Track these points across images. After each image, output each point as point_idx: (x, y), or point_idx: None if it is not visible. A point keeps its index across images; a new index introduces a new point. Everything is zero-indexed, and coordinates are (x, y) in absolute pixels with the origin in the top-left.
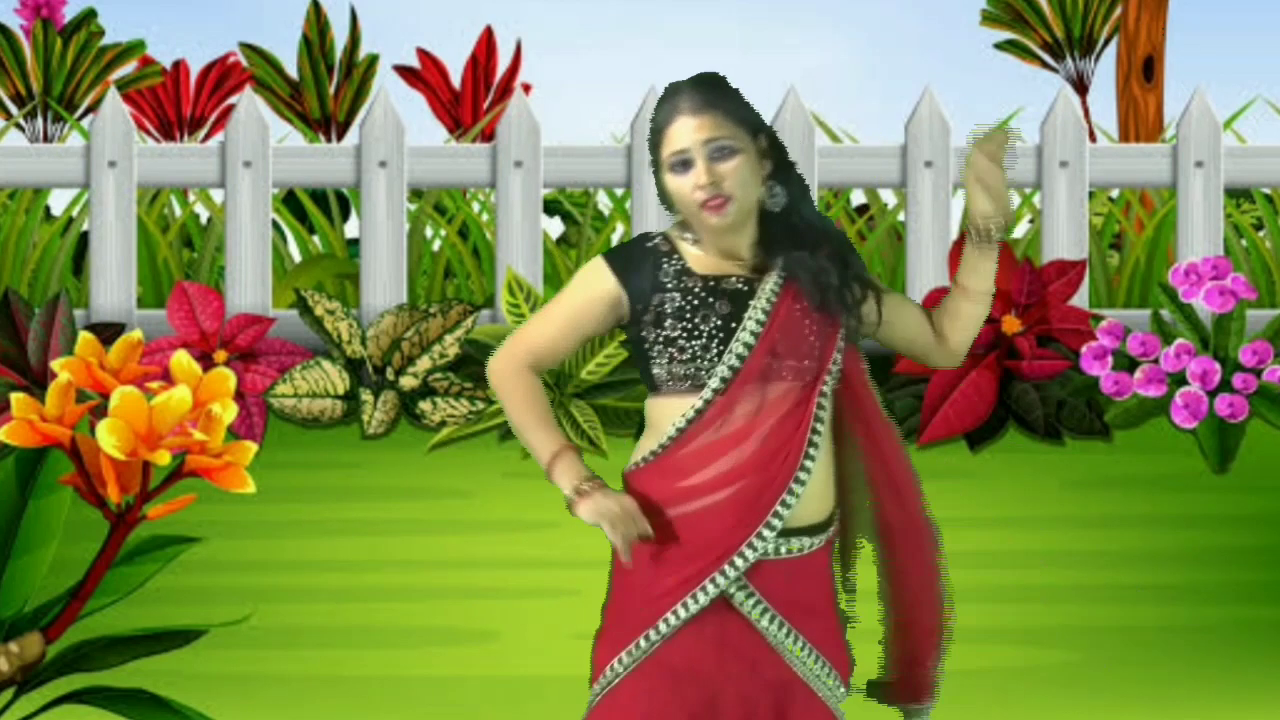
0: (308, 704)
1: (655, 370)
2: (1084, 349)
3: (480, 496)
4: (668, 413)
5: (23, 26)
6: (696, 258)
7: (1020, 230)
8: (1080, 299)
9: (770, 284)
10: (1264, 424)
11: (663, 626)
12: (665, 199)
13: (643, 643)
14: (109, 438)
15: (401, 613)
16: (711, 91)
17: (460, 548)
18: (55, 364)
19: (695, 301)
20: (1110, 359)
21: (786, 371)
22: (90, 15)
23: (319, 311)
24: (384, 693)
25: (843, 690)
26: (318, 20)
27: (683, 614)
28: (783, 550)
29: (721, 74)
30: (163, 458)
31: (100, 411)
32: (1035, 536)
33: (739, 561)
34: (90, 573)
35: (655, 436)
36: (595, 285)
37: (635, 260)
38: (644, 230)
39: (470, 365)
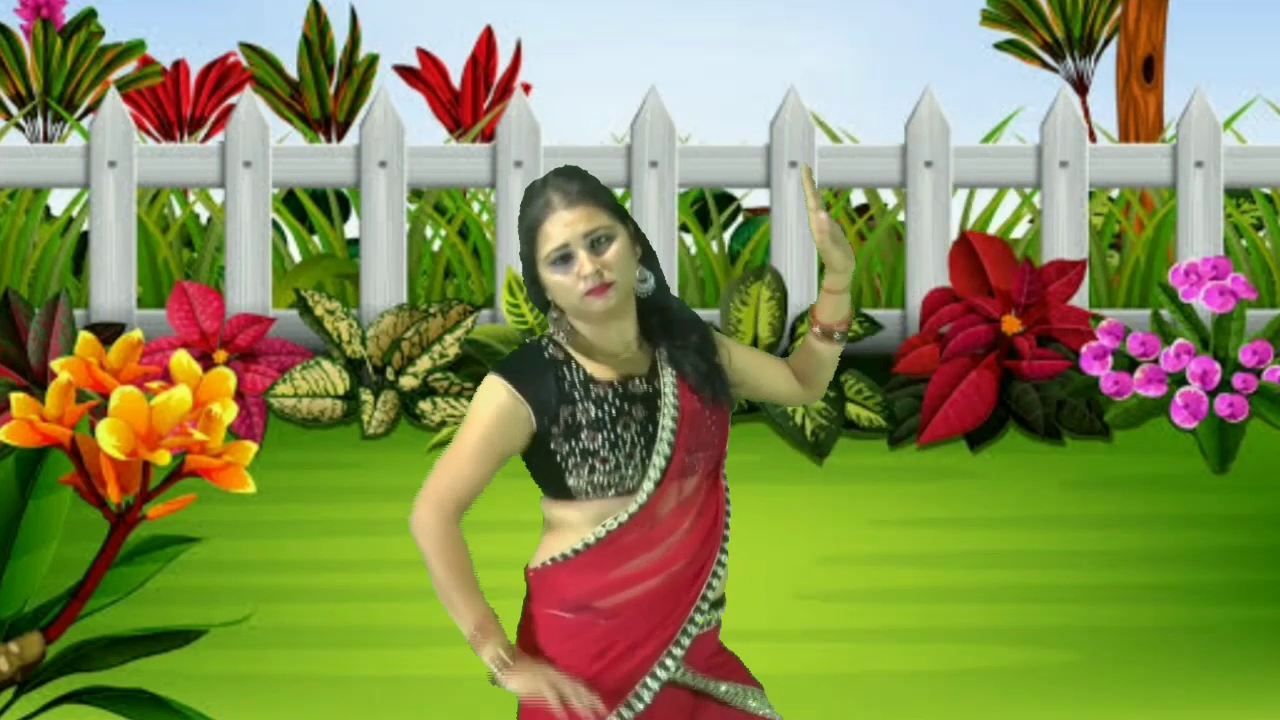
0: (308, 704)
1: (571, 482)
2: (1084, 349)
3: (479, 496)
4: (587, 517)
5: (23, 26)
6: (591, 366)
7: (1020, 230)
8: (1080, 299)
9: (668, 382)
10: (1264, 424)
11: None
12: (539, 296)
13: None
14: (109, 438)
15: (401, 613)
16: (581, 184)
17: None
18: (55, 364)
19: (613, 411)
20: (1110, 359)
21: (699, 464)
22: (90, 15)
23: (319, 311)
24: (384, 693)
25: (766, 702)
26: (318, 20)
27: (632, 712)
28: (709, 623)
29: (579, 167)
30: (163, 458)
31: (100, 411)
32: (1035, 536)
33: (684, 641)
34: (90, 573)
35: (570, 538)
36: (502, 408)
37: (534, 373)
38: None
39: (470, 365)
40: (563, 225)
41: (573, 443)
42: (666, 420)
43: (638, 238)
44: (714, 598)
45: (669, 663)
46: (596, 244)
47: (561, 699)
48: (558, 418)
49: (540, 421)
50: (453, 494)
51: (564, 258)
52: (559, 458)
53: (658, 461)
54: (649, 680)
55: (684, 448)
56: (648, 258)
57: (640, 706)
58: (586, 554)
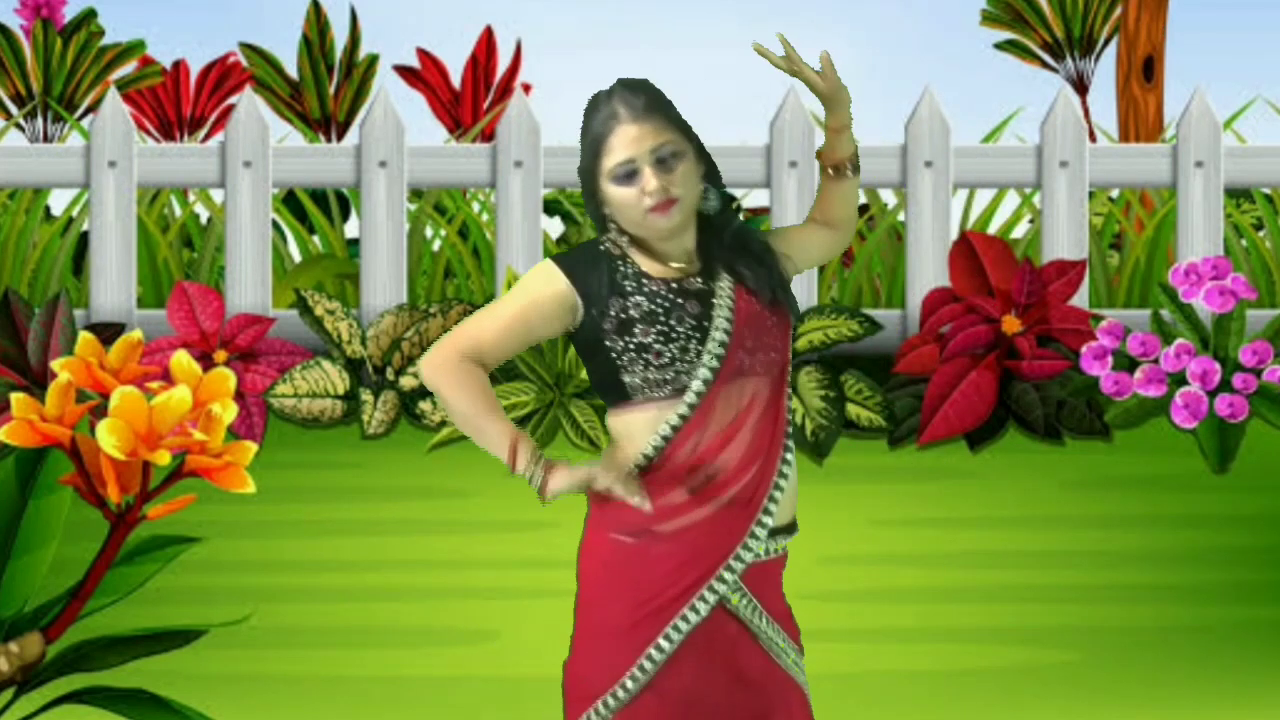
0: (308, 704)
1: (627, 379)
2: (1084, 349)
3: (480, 496)
4: (644, 425)
5: (23, 26)
6: (647, 263)
7: (1020, 230)
8: (1080, 299)
9: (724, 283)
10: (1264, 424)
11: (665, 645)
12: (597, 212)
13: (647, 665)
14: (109, 438)
15: (401, 613)
16: (648, 96)
17: (459, 548)
18: (55, 364)
19: (665, 304)
20: (1110, 359)
21: (758, 366)
22: (90, 15)
23: (319, 311)
24: (384, 693)
25: (802, 663)
26: (318, 20)
27: (685, 626)
28: (770, 551)
29: (645, 79)
30: (163, 458)
31: (100, 411)
32: (1035, 536)
33: (736, 565)
34: (90, 573)
35: (630, 452)
36: (546, 285)
37: (587, 263)
38: None
39: None
40: (629, 139)
41: (627, 338)
42: (721, 314)
43: (702, 155)
44: (771, 523)
45: (727, 576)
46: (663, 160)
47: (618, 480)
48: (608, 311)
49: (589, 312)
50: (468, 337)
51: (629, 173)
52: (614, 354)
53: (710, 357)
54: (705, 593)
55: (740, 345)
56: (711, 174)
57: (694, 620)
58: (646, 471)
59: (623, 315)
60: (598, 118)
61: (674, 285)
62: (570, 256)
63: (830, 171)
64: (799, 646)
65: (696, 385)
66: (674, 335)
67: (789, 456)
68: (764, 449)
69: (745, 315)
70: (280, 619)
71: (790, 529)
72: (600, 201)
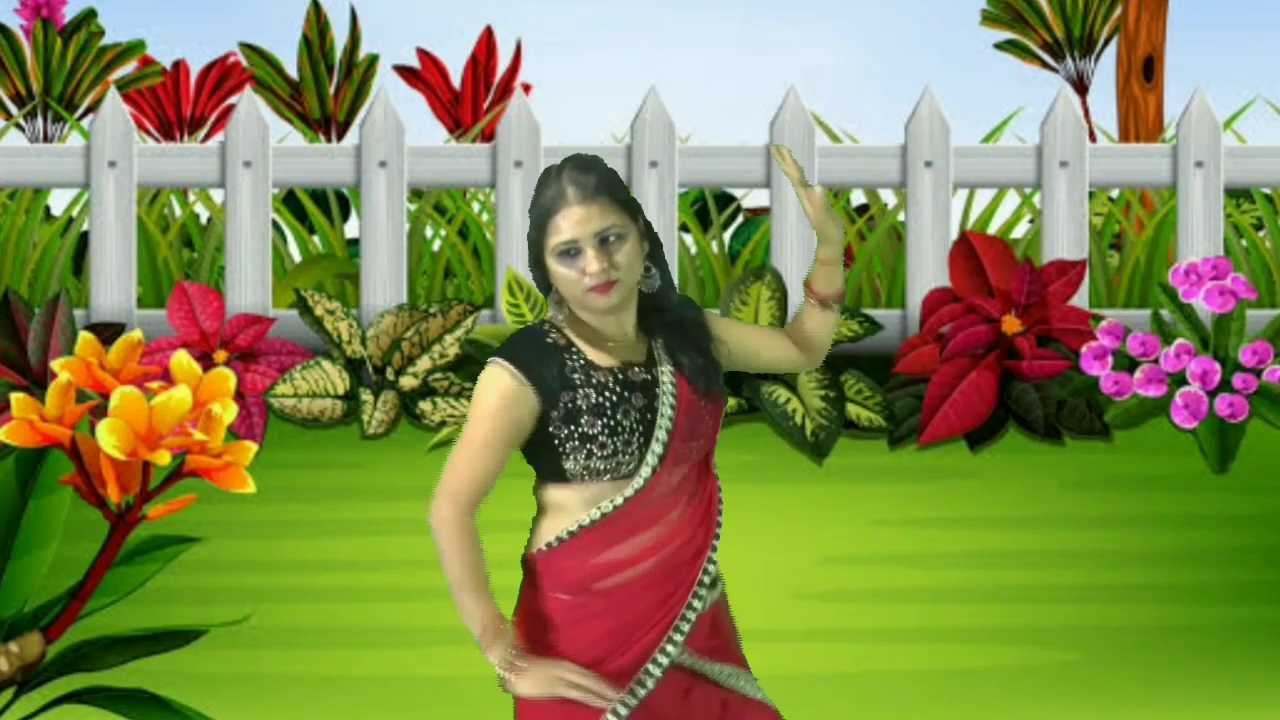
0: (308, 704)
1: (568, 466)
2: (1084, 349)
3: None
4: (582, 499)
5: (23, 26)
6: (592, 351)
7: (1020, 230)
8: (1080, 299)
9: (666, 371)
10: (1264, 424)
11: (628, 701)
12: (543, 280)
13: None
14: (109, 438)
15: (401, 613)
16: (598, 177)
17: None
18: (55, 364)
19: (613, 397)
20: (1110, 359)
21: (693, 452)
22: (90, 15)
23: (319, 311)
24: (384, 693)
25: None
26: (318, 20)
27: (635, 699)
28: (708, 604)
29: (597, 156)
30: (163, 458)
31: (100, 411)
32: (1035, 536)
33: (685, 624)
34: (90, 573)
35: (566, 521)
36: (507, 394)
37: (536, 358)
38: None
39: (470, 365)
40: (574, 221)
41: (571, 427)
42: (665, 409)
43: (648, 233)
44: (709, 580)
45: (670, 648)
46: (606, 242)
47: (581, 691)
48: (558, 402)
49: (544, 404)
50: (467, 488)
51: (572, 252)
52: (557, 441)
53: (656, 448)
54: (652, 665)
55: (680, 436)
56: (655, 253)
57: (644, 691)
58: (582, 535)
59: (569, 406)
60: (547, 194)
61: (620, 376)
62: (515, 352)
63: (814, 302)
64: (746, 669)
65: (644, 473)
66: (619, 429)
67: (719, 526)
68: (700, 514)
69: (685, 406)
70: (280, 619)
71: (717, 581)
72: (546, 272)
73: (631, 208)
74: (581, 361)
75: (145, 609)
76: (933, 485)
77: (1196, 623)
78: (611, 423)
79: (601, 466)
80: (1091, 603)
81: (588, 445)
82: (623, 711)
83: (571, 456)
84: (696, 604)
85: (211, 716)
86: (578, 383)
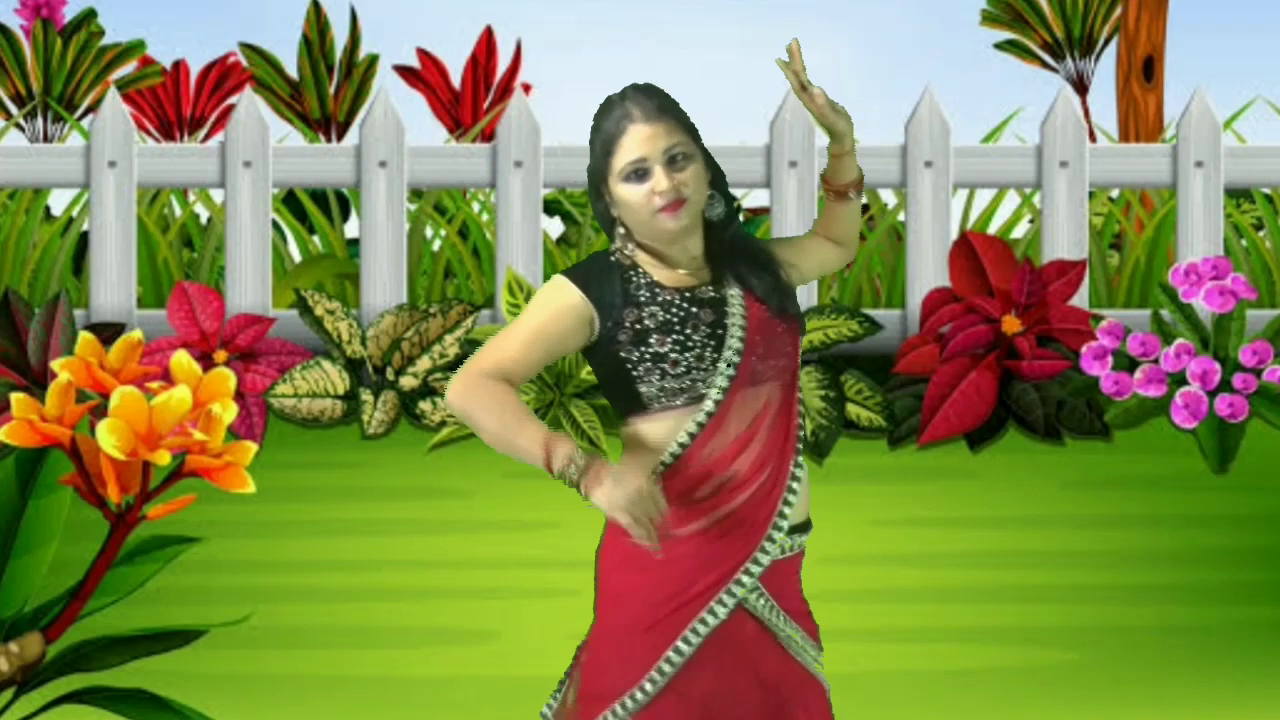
0: (308, 704)
1: (643, 389)
2: (1084, 349)
3: (480, 496)
4: (660, 433)
5: (23, 26)
6: (658, 272)
7: (1020, 230)
8: (1080, 299)
9: (734, 291)
10: (1264, 424)
11: (684, 647)
12: (605, 214)
13: (666, 667)
14: (109, 438)
15: (401, 613)
16: (660, 99)
17: (460, 548)
18: (55, 364)
19: (680, 314)
20: (1110, 359)
21: (770, 372)
22: (90, 15)
23: (319, 311)
24: (384, 693)
25: (820, 657)
26: (318, 20)
27: (704, 629)
28: (787, 549)
29: (655, 85)
30: (163, 458)
31: (100, 411)
32: (1035, 536)
33: (754, 568)
34: (90, 573)
35: (649, 458)
36: (561, 299)
37: (599, 275)
38: None
39: None
40: (642, 139)
41: (642, 349)
42: (735, 322)
43: (710, 161)
44: (790, 518)
45: (745, 579)
46: (674, 160)
47: (644, 524)
48: (623, 322)
49: (604, 325)
50: (493, 364)
51: (639, 172)
52: (629, 365)
53: (726, 365)
54: (724, 596)
55: (753, 352)
56: (718, 181)
57: (713, 622)
58: (663, 478)
59: (638, 325)
60: (610, 118)
61: (687, 294)
62: (582, 269)
63: (833, 195)
64: (818, 644)
65: (714, 394)
66: (690, 344)
67: (800, 459)
68: (776, 451)
69: (757, 323)
70: (280, 619)
71: (806, 527)
72: (609, 202)
73: (694, 131)
74: (647, 280)
75: (145, 609)
76: (933, 485)
77: (1197, 623)
78: (681, 338)
79: (675, 386)
80: (1091, 603)
81: (660, 365)
82: (684, 649)
83: (646, 380)
84: (775, 538)
85: (211, 716)
86: (643, 300)
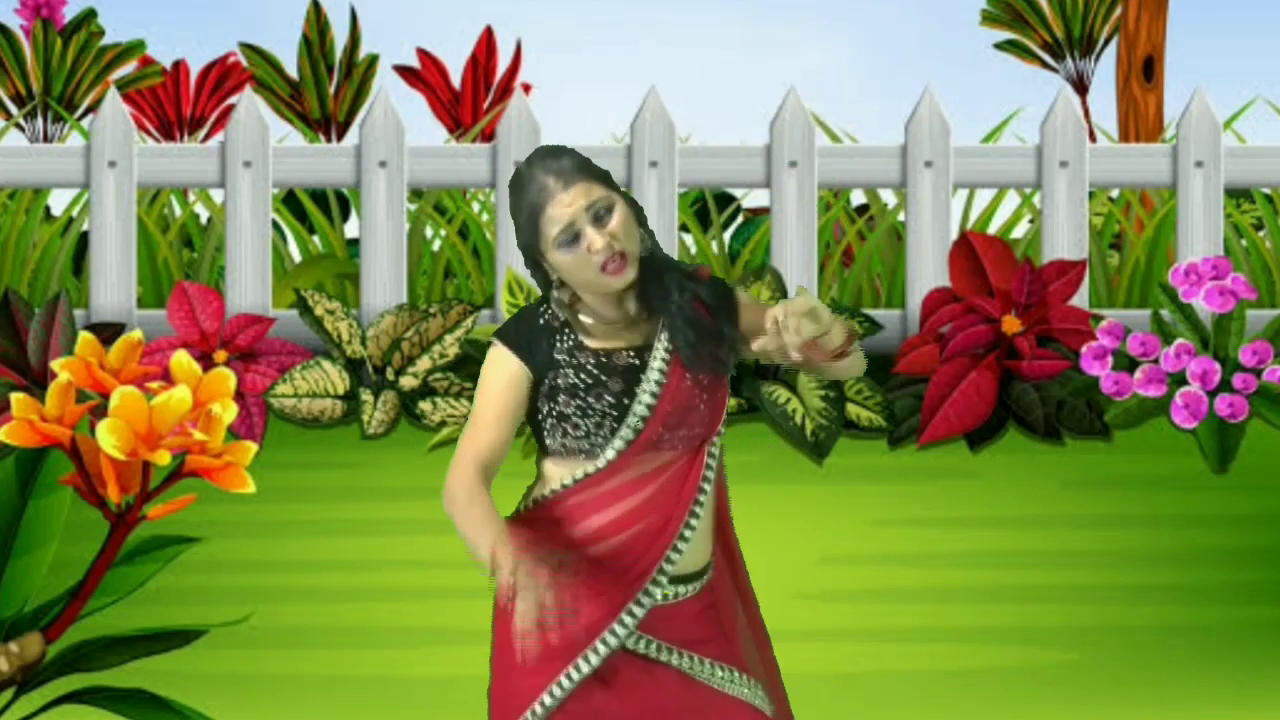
0: (308, 704)
1: (548, 441)
2: (1084, 349)
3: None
4: (558, 471)
5: (23, 26)
6: (587, 330)
7: (1020, 230)
8: (1080, 299)
9: (659, 357)
10: (1264, 424)
11: (564, 685)
12: (544, 281)
13: (556, 691)
14: (109, 438)
15: (401, 613)
16: (568, 158)
17: (460, 548)
18: (55, 364)
19: (589, 380)
20: (1110, 359)
21: (677, 441)
22: (90, 15)
23: (319, 311)
24: (384, 693)
25: (762, 691)
26: (318, 20)
27: (577, 675)
28: (671, 597)
29: (560, 145)
30: (163, 458)
31: (100, 411)
32: (1035, 536)
33: (628, 620)
34: (90, 573)
35: (541, 487)
36: (506, 371)
37: (531, 336)
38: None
39: (470, 365)
40: (564, 205)
41: (550, 405)
42: (644, 395)
43: (630, 202)
44: (673, 571)
45: (619, 629)
46: (599, 216)
47: (512, 594)
48: (544, 379)
49: (536, 379)
50: (475, 460)
51: (572, 238)
52: (540, 416)
53: (624, 433)
54: (599, 645)
55: (660, 423)
56: (641, 218)
57: (586, 669)
58: (546, 505)
59: (551, 384)
60: (529, 192)
61: (605, 359)
62: (514, 332)
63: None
64: (735, 667)
65: (607, 455)
66: (590, 412)
67: (693, 522)
68: (667, 504)
69: (673, 394)
70: (280, 619)
71: (694, 577)
72: (549, 270)
73: (608, 180)
74: (571, 342)
75: (145, 609)
76: (933, 485)
77: (1196, 623)
78: (584, 404)
79: (574, 445)
80: (1091, 603)
81: (563, 424)
82: (565, 685)
83: (550, 433)
84: (655, 590)
85: (211, 716)
86: (561, 363)
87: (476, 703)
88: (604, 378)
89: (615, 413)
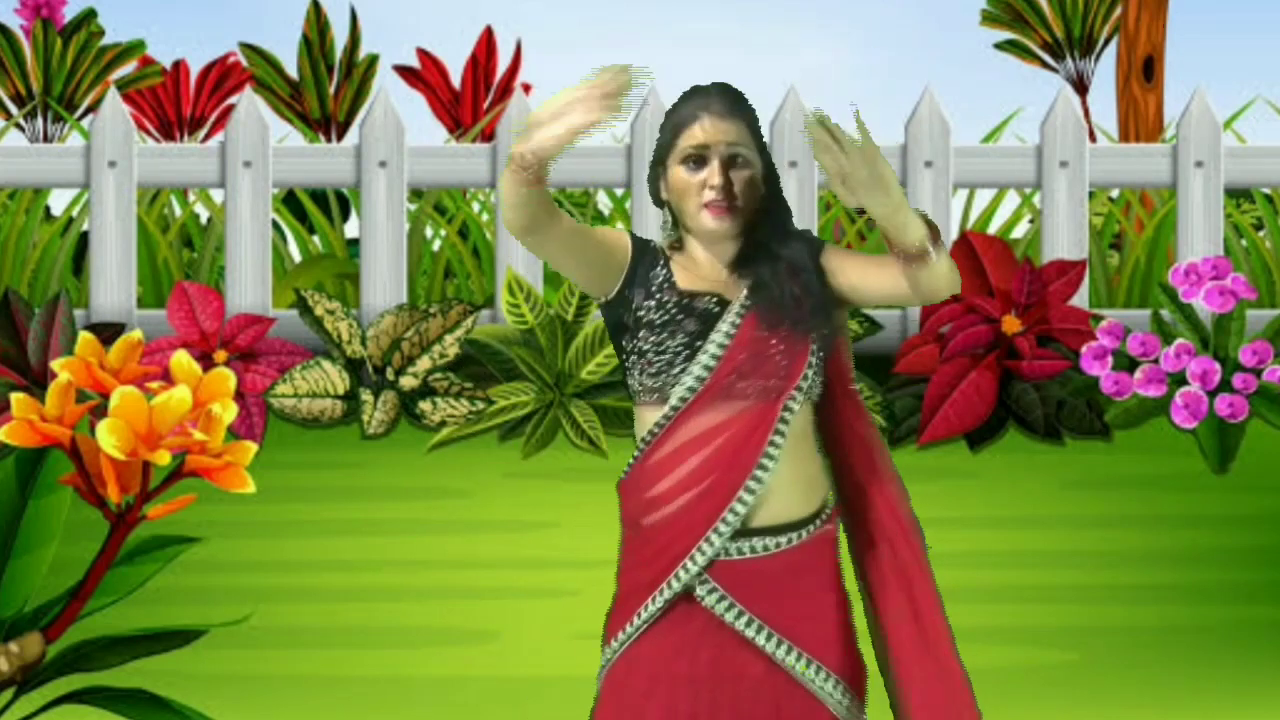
0: (308, 704)
1: (630, 380)
2: (1084, 349)
3: (480, 496)
4: (642, 424)
5: (23, 26)
6: (681, 270)
7: (1020, 230)
8: (1080, 299)
9: (736, 307)
10: (1264, 424)
11: (631, 625)
12: (657, 193)
13: (620, 635)
14: (109, 438)
15: (401, 613)
16: (739, 101)
17: (460, 548)
18: (55, 364)
19: (666, 318)
20: (1110, 359)
21: (750, 390)
22: (90, 15)
23: (319, 311)
24: (384, 693)
25: (843, 691)
26: (318, 20)
27: (646, 613)
28: (745, 551)
29: (737, 89)
30: (163, 458)
31: (100, 411)
32: (1035, 536)
33: (690, 565)
34: (90, 573)
35: (639, 432)
36: (618, 235)
37: (643, 249)
38: (641, 229)
39: (470, 365)
40: (712, 129)
41: (634, 340)
42: (716, 339)
43: (770, 173)
44: (736, 523)
45: (681, 574)
46: (734, 160)
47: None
48: (633, 301)
49: (622, 293)
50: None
51: (698, 159)
52: (624, 353)
53: (689, 379)
54: (664, 587)
55: (731, 369)
56: (772, 193)
57: (654, 609)
58: (633, 471)
59: (638, 314)
60: (689, 103)
61: (687, 299)
62: (637, 240)
63: (905, 260)
64: (817, 660)
65: (674, 400)
66: (664, 350)
67: (767, 465)
68: (736, 457)
69: (745, 343)
70: (280, 619)
71: (784, 529)
72: (663, 185)
73: (762, 145)
74: (666, 274)
75: (145, 609)
76: (933, 485)
77: (1196, 623)
78: (657, 341)
79: (650, 384)
80: (1091, 603)
81: (640, 360)
82: (635, 623)
83: (630, 371)
84: (716, 539)
85: (211, 716)
86: (652, 290)
87: (477, 703)
88: (681, 318)
89: (687, 353)
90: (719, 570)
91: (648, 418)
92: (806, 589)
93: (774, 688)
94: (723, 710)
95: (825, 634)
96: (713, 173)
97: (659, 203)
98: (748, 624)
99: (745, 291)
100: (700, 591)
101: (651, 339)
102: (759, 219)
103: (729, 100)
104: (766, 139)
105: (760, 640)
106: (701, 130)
